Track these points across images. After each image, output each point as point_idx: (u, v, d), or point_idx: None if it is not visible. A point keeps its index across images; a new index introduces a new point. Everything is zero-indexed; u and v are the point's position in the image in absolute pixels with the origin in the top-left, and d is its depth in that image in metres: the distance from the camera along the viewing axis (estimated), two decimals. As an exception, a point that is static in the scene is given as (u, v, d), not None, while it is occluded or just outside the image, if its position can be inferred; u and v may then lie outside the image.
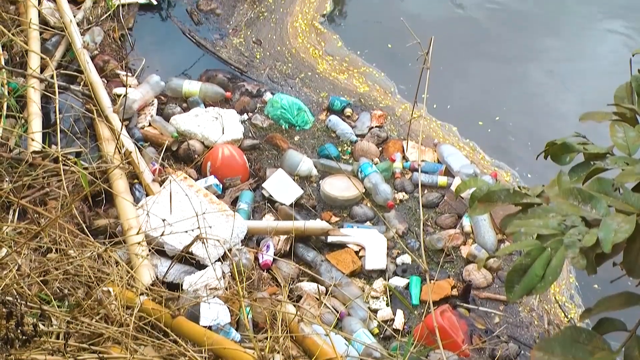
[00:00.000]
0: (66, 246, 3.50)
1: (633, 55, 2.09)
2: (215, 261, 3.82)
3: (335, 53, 5.58)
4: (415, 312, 3.98)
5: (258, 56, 5.51)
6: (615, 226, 1.52)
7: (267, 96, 5.10)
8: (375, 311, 3.96)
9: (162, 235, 3.57)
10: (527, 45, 5.79)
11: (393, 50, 5.58)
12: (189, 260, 3.76)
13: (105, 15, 5.45)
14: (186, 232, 3.55)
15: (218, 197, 4.31)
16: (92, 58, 5.04)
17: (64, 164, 3.91)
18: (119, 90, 4.85)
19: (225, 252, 3.81)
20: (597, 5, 6.18)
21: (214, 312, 3.43)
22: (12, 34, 4.87)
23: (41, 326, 2.95)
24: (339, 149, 4.82)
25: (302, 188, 4.54)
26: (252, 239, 4.22)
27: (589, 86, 5.39)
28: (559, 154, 1.89)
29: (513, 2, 6.20)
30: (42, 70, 4.82)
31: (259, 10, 5.89)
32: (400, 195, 4.58)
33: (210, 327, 3.38)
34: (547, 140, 1.95)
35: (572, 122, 4.82)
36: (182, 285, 3.70)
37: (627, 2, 6.22)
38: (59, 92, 4.52)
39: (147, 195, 4.21)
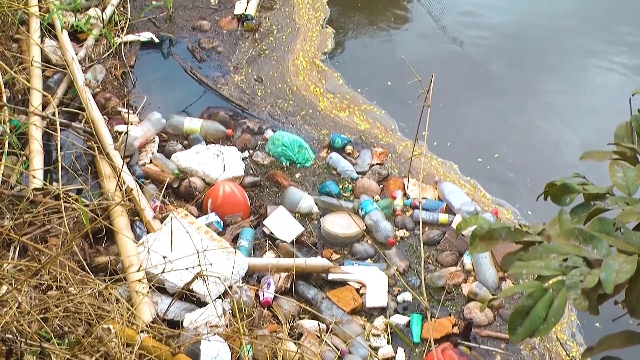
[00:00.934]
0: (66, 283, 3.49)
1: (633, 95, 2.10)
2: (216, 298, 3.81)
3: (336, 91, 5.60)
4: (417, 350, 3.96)
5: (259, 94, 5.53)
6: (617, 266, 1.52)
7: (268, 133, 5.11)
8: (376, 349, 3.94)
9: (162, 272, 3.57)
10: (526, 83, 5.82)
11: (393, 87, 5.60)
12: (189, 297, 3.75)
13: (107, 53, 5.49)
14: (187, 269, 3.55)
15: (219, 234, 4.31)
16: (94, 95, 5.06)
17: (65, 201, 3.92)
18: (121, 128, 4.87)
19: (226, 290, 3.81)
20: (596, 42, 6.22)
21: (214, 350, 3.43)
22: (15, 72, 4.90)
23: (41, 364, 2.95)
24: (340, 186, 4.82)
25: (302, 225, 4.54)
26: (253, 276, 4.21)
27: (588, 124, 5.42)
28: (559, 194, 1.90)
29: (512, 39, 6.24)
30: (44, 107, 4.84)
31: (260, 48, 5.93)
32: (401, 233, 4.58)
33: (210, 365, 3.37)
34: (546, 178, 1.96)
35: (571, 160, 4.89)
36: (182, 323, 3.69)
37: (626, 38, 6.25)
38: (60, 130, 4.52)
39: (147, 232, 4.22)
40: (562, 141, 5.31)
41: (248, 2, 6.23)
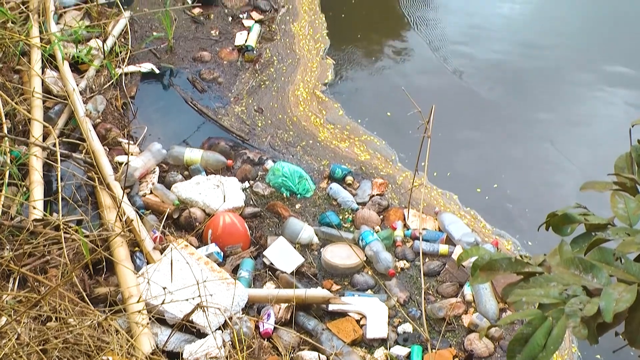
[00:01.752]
0: (66, 315, 3.49)
1: (632, 126, 2.10)
2: (216, 330, 3.80)
3: (336, 121, 5.61)
4: (417, 381, 3.95)
5: (259, 124, 5.54)
6: (617, 295, 1.52)
7: (269, 164, 5.11)
8: (376, 381, 3.93)
9: (162, 303, 3.56)
10: (525, 113, 5.81)
11: (393, 118, 5.61)
12: (189, 328, 3.74)
13: (108, 84, 5.50)
14: (187, 300, 3.54)
15: (219, 265, 4.30)
16: (95, 126, 5.07)
17: (65, 232, 3.92)
18: (121, 158, 4.87)
19: (225, 321, 3.80)
20: (596, 74, 6.22)
21: (214, 382, 3.42)
22: (16, 103, 4.91)
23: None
24: (340, 217, 4.82)
25: (303, 256, 4.53)
26: (253, 307, 4.20)
27: (587, 154, 5.42)
28: (560, 225, 1.89)
29: (511, 70, 6.25)
30: (45, 138, 4.85)
31: (260, 79, 5.94)
32: (402, 264, 4.57)
33: (210, 397, 3.36)
34: (544, 208, 1.96)
35: (570, 190, 4.90)
36: (182, 354, 3.68)
37: (625, 67, 6.26)
38: (61, 160, 4.54)
39: (147, 263, 4.21)
40: (560, 171, 5.32)
41: (249, 33, 6.26)
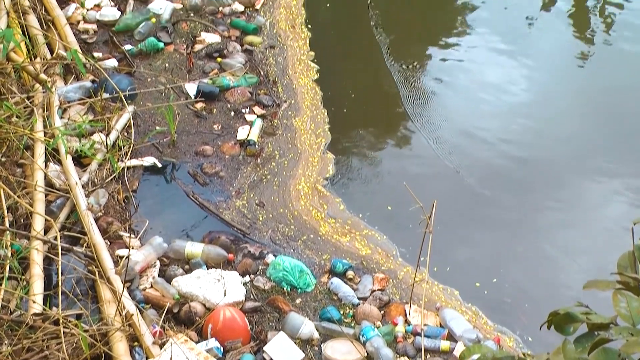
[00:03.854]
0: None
1: (634, 225, 2.11)
2: None
3: (337, 216, 5.62)
4: None
5: (261, 218, 5.55)
6: (623, 398, 1.51)
7: (270, 258, 5.11)
8: None
9: (161, 400, 3.53)
10: (524, 209, 5.83)
11: (394, 212, 5.63)
12: None
13: (111, 178, 5.52)
14: (186, 397, 3.51)
15: (218, 360, 4.28)
16: (96, 220, 5.08)
17: (64, 327, 3.90)
18: (122, 252, 4.87)
19: (225, 418, 3.76)
20: (597, 170, 6.25)
21: None
22: (18, 196, 4.93)
23: None
24: (341, 312, 4.80)
25: (303, 351, 4.50)
26: (253, 404, 4.17)
27: (586, 251, 5.42)
28: (562, 324, 1.89)
29: (511, 169, 6.26)
30: (46, 231, 4.85)
31: (262, 173, 5.97)
32: (403, 360, 4.55)
33: None
34: (544, 303, 1.97)
35: (570, 285, 4.90)
36: None
37: (628, 165, 6.29)
38: (61, 254, 4.53)
39: (147, 358, 4.18)
40: (559, 267, 5.31)
41: (251, 128, 6.30)
